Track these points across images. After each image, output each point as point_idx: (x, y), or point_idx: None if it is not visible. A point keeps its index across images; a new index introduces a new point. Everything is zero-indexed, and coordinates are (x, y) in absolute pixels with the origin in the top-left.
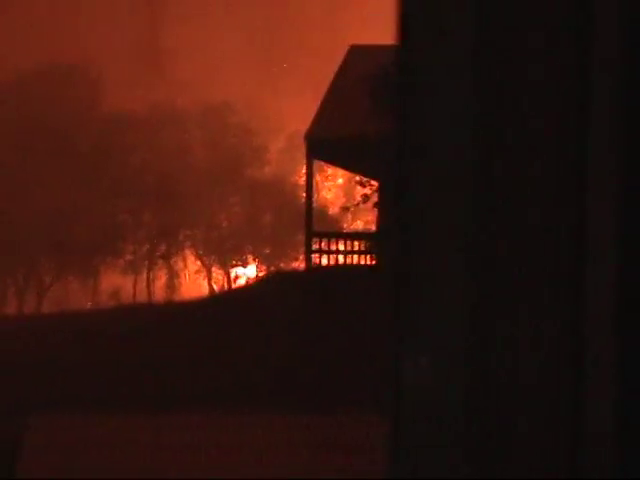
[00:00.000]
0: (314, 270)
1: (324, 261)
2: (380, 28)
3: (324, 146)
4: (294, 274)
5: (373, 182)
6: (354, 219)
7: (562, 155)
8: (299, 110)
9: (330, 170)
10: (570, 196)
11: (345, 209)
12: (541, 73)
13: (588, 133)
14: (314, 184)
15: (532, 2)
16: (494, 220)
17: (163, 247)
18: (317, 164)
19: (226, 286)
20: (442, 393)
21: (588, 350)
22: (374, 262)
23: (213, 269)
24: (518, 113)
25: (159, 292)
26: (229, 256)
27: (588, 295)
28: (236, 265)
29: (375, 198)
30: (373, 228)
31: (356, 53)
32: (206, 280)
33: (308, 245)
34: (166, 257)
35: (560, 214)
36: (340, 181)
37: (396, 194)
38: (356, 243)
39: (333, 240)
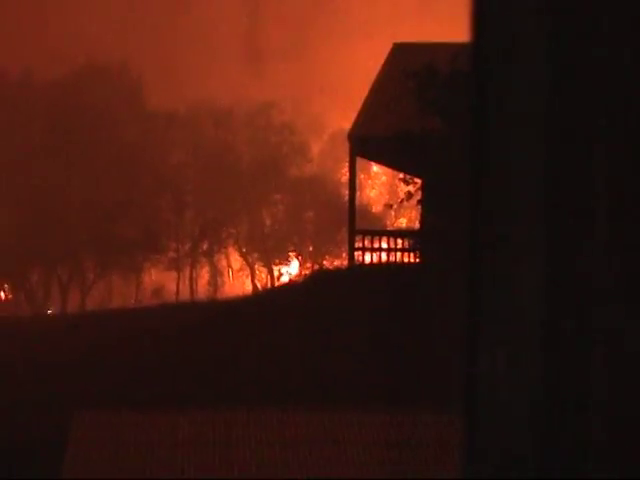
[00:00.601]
0: (357, 268)
1: (367, 259)
2: (425, 24)
3: (367, 144)
4: (337, 272)
5: (416, 180)
6: (397, 217)
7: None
8: (343, 108)
9: (373, 168)
10: None
11: (388, 207)
12: (621, 71)
13: None
14: (357, 182)
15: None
16: (572, 203)
17: (206, 245)
18: (360, 162)
19: (269, 284)
20: (520, 389)
21: None
22: (418, 259)
23: (256, 267)
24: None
25: (202, 290)
26: (272, 254)
27: None
28: (279, 263)
29: (418, 196)
30: (416, 226)
31: (400, 50)
32: (249, 278)
33: (351, 243)
34: (209, 255)
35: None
36: (383, 179)
37: (472, 189)
38: (399, 241)
39: (376, 238)
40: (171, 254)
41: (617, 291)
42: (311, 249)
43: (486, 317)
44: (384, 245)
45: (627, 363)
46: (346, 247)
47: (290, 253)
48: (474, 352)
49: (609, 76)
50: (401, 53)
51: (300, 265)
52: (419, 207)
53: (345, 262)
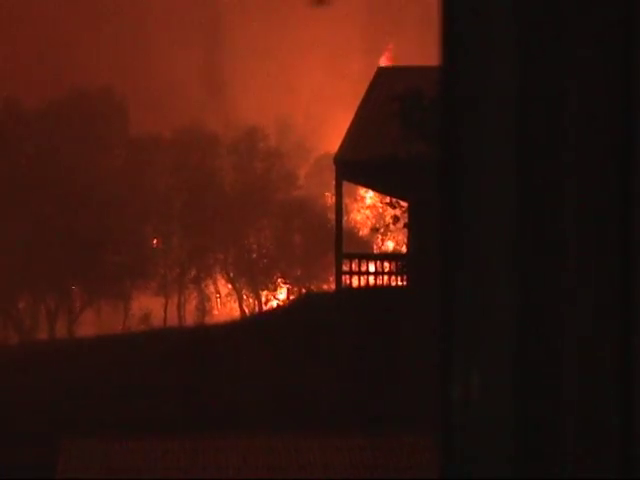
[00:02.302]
0: (345, 291)
1: (355, 282)
2: (408, 50)
3: (353, 168)
4: (324, 296)
5: (403, 203)
6: (384, 240)
7: (606, 171)
8: (328, 133)
9: (360, 191)
10: (618, 204)
11: (375, 230)
12: (588, 91)
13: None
14: (343, 206)
15: (580, 22)
16: (542, 233)
17: (194, 271)
18: (346, 186)
19: (257, 309)
20: (492, 411)
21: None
22: (405, 283)
23: (244, 292)
24: (564, 127)
25: (190, 316)
26: (260, 279)
27: None
28: (267, 288)
29: (405, 219)
30: (403, 249)
31: (384, 75)
32: (237, 303)
33: (338, 267)
34: (197, 281)
35: (609, 221)
36: (370, 202)
37: (442, 214)
38: (386, 264)
39: (363, 261)
40: (159, 280)
41: (586, 320)
42: (299, 273)
43: (459, 344)
44: (371, 269)
45: (597, 389)
46: (334, 271)
47: (278, 278)
48: (448, 378)
49: (578, 98)
50: (386, 77)
51: (288, 290)
52: (406, 230)
53: (333, 286)
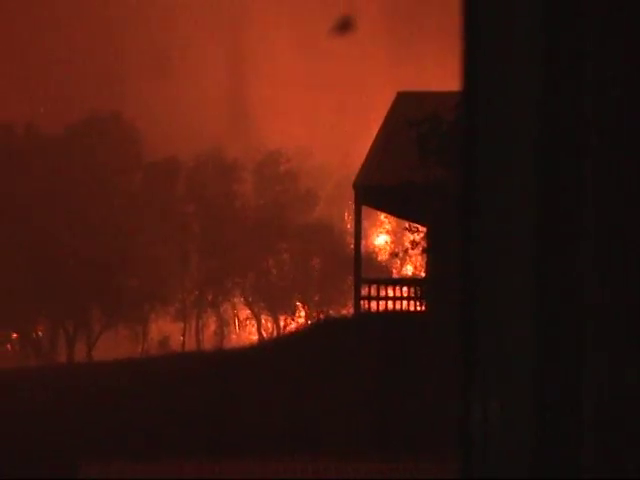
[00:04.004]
0: (363, 316)
1: (373, 307)
2: (430, 76)
3: (372, 193)
4: (343, 320)
5: (421, 228)
6: (403, 265)
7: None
8: (348, 158)
9: (379, 216)
10: None
11: (394, 255)
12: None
13: None
14: (362, 230)
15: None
16: (562, 254)
17: (212, 295)
18: (365, 210)
19: (275, 333)
20: (512, 433)
21: None
22: (424, 308)
23: (262, 316)
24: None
25: (208, 340)
26: (278, 303)
27: None
28: (285, 312)
29: (424, 244)
30: (422, 274)
31: (404, 100)
32: (255, 327)
33: (357, 291)
34: (215, 305)
35: (630, 241)
36: (389, 227)
37: (462, 239)
38: (405, 289)
39: (382, 286)
40: (177, 304)
41: (606, 338)
42: (317, 298)
43: (479, 368)
44: (390, 293)
45: (617, 416)
46: (352, 296)
47: (296, 302)
48: (468, 402)
49: (599, 122)
50: (405, 102)
51: (306, 314)
52: (425, 255)
53: (351, 311)
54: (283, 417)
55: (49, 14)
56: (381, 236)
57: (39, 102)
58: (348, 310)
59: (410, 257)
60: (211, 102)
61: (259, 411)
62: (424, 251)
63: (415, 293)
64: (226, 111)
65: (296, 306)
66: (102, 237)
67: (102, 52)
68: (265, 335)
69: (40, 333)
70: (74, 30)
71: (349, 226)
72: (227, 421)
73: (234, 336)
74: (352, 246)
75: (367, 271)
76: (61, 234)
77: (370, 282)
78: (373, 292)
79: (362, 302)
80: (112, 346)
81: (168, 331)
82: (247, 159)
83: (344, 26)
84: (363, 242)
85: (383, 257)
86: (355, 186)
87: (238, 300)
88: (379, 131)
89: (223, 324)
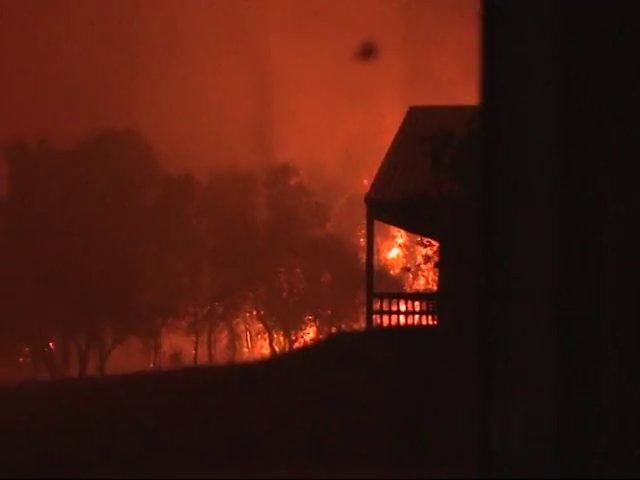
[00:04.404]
0: (375, 330)
1: (385, 321)
2: (443, 92)
3: (384, 207)
4: (355, 335)
5: (434, 242)
6: (415, 279)
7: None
8: (360, 172)
9: (391, 230)
10: None
11: (406, 270)
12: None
13: None
14: (374, 244)
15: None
16: (582, 269)
17: (224, 309)
18: (377, 225)
19: (287, 347)
20: (533, 452)
21: None
22: (436, 322)
23: (274, 330)
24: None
25: (220, 354)
26: (290, 317)
27: None
28: (297, 326)
29: (436, 258)
30: (435, 288)
31: (415, 114)
32: (267, 341)
33: (369, 306)
34: (227, 319)
35: None
36: (401, 241)
37: (482, 257)
38: (417, 303)
39: (394, 300)
40: (189, 318)
41: (626, 353)
42: (329, 312)
43: (499, 382)
44: (402, 308)
45: (638, 429)
46: (364, 310)
47: (308, 317)
48: (488, 416)
49: (618, 141)
50: (417, 116)
51: (318, 328)
52: (437, 270)
53: (363, 325)
54: (297, 431)
55: (63, 28)
56: (393, 250)
57: (52, 117)
58: (360, 325)
59: (422, 272)
60: (226, 117)
61: (273, 425)
62: (436, 266)
63: (427, 308)
64: (241, 126)
65: (308, 320)
66: (115, 251)
67: (116, 67)
68: (277, 349)
69: (52, 347)
70: (88, 44)
71: (361, 240)
72: (242, 435)
73: (246, 350)
74: (364, 260)
75: (379, 285)
76: (74, 248)
77: (382, 296)
78: (385, 307)
79: (374, 316)
80: (124, 360)
81: (180, 345)
82: (260, 173)
83: (366, 53)
84: (375, 256)
85: (395, 271)
86: (367, 200)
87: (250, 314)
88: (391, 145)
89: (235, 338)
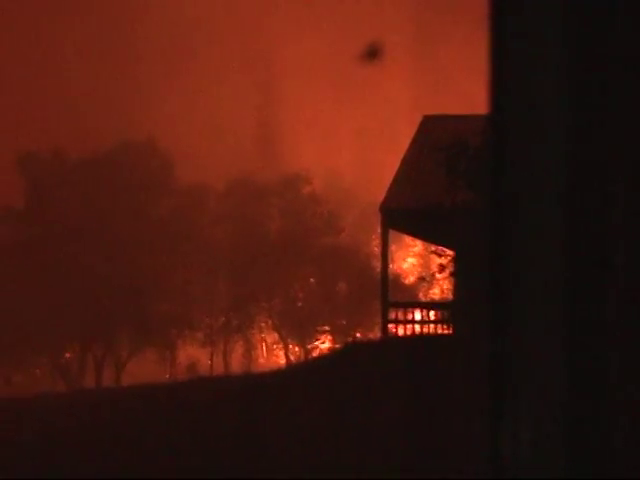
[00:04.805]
0: (390, 340)
1: (400, 331)
2: (456, 100)
3: (399, 216)
4: (370, 344)
5: (449, 251)
6: (430, 288)
7: None
8: (375, 181)
9: (406, 240)
10: None
11: (421, 279)
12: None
13: None
14: (389, 254)
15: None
16: (590, 280)
17: (239, 319)
18: (392, 234)
19: (303, 357)
20: (542, 469)
21: None
22: (451, 332)
23: (289, 340)
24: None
25: (236, 364)
26: (305, 327)
27: None
28: (312, 336)
29: (451, 267)
30: (450, 297)
31: (429, 123)
32: (283, 351)
33: (384, 315)
34: (242, 329)
35: None
36: (416, 250)
37: (491, 267)
38: (432, 313)
39: (409, 310)
40: (205, 329)
41: (631, 374)
42: (344, 322)
43: (510, 393)
44: (417, 317)
45: None
46: (379, 319)
47: (323, 326)
48: (499, 427)
49: (630, 158)
50: (430, 126)
51: (333, 338)
52: (452, 279)
53: (378, 334)
54: (315, 439)
55: (78, 37)
56: (408, 259)
57: (67, 127)
58: (375, 334)
59: (437, 280)
60: (239, 126)
61: (291, 434)
62: (451, 274)
63: (442, 317)
64: (255, 135)
65: (323, 330)
66: (131, 262)
67: (131, 77)
68: (293, 359)
69: (69, 357)
70: (103, 56)
71: (375, 250)
72: (260, 444)
73: (262, 360)
74: (379, 270)
75: (394, 295)
76: (90, 259)
77: (397, 306)
78: (400, 316)
79: (389, 326)
80: (140, 371)
81: (196, 356)
82: (274, 183)
83: (372, 54)
84: (390, 265)
85: (410, 280)
86: (382, 209)
87: (265, 324)
88: (405, 154)
89: (250, 348)
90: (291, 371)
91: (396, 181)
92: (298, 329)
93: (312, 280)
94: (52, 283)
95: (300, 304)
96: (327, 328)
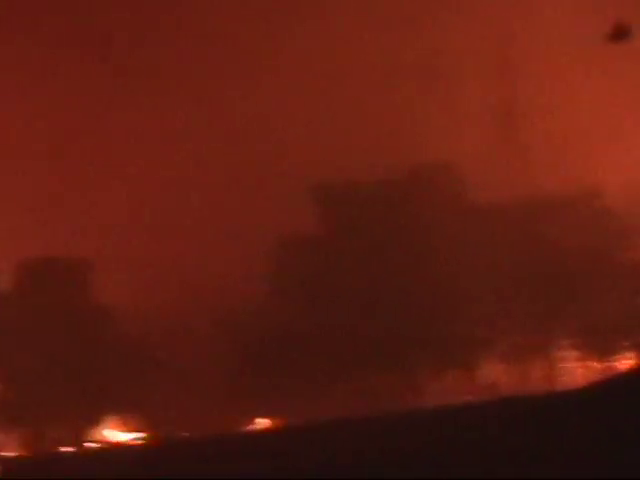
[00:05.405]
0: None
1: None
2: None
3: None
4: None
5: None
6: None
7: None
8: None
9: None
10: None
11: None
12: None
13: None
14: None
15: None
16: None
17: (538, 337)
18: None
19: (604, 374)
20: None
21: None
22: None
23: (589, 359)
24: None
25: (537, 383)
26: (605, 343)
27: None
28: (613, 352)
29: None
30: None
31: None
32: (583, 371)
33: None
34: (542, 347)
35: None
36: None
37: None
38: None
39: None
40: (504, 348)
41: None
42: None
43: None
44: None
45: None
46: None
47: (625, 343)
48: None
49: None
50: None
51: (636, 355)
52: None
53: None
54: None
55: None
56: None
57: (357, 156)
58: None
59: None
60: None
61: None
62: None
63: None
64: (549, 149)
65: (624, 346)
66: (422, 283)
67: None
68: (594, 376)
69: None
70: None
71: None
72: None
73: (563, 379)
74: None
75: None
76: (392, 288)
77: None
78: None
79: None
80: (441, 391)
81: (494, 375)
82: (565, 195)
83: (619, 34)
84: None
85: None
86: None
87: (565, 342)
88: None
89: (551, 366)
90: (591, 389)
91: None
92: (598, 346)
93: (613, 295)
94: (350, 312)
95: (602, 321)
96: (629, 345)
